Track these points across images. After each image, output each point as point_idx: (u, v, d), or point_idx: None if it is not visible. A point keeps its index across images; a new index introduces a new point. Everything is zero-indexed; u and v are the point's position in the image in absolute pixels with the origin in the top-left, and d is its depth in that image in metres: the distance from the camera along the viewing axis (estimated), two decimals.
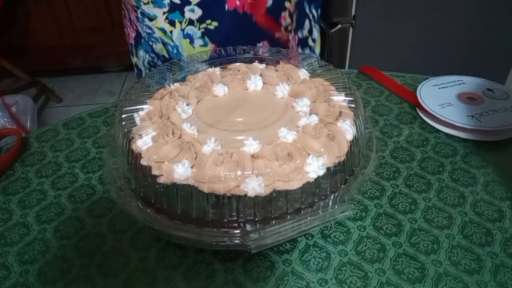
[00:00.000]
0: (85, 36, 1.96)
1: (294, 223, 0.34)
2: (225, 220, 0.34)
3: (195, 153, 0.35)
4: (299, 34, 0.73)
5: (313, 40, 0.76)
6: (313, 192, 0.35)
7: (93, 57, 1.99)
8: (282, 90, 0.44)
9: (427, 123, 0.54)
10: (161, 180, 0.34)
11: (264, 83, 0.46)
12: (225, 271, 0.37)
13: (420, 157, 0.49)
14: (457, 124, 0.51)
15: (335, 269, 0.37)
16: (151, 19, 0.65)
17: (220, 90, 0.45)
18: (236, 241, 0.33)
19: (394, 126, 0.54)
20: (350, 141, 0.37)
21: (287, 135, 0.36)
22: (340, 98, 0.41)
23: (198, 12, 0.58)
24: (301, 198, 0.35)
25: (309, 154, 0.34)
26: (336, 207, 0.35)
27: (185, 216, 0.35)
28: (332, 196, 0.36)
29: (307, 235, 0.40)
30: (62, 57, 1.96)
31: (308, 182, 0.34)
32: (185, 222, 0.34)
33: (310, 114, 0.40)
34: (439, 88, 0.58)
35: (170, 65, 0.49)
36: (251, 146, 0.35)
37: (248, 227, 0.34)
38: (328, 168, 0.35)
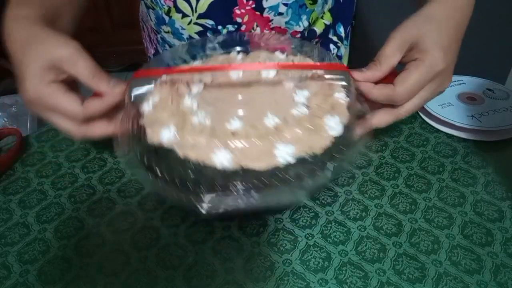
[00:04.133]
0: (85, 36, 1.96)
1: (251, 197, 0.35)
2: (191, 184, 0.36)
3: (184, 121, 0.38)
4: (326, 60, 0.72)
5: (339, 57, 0.74)
6: (278, 176, 0.36)
7: (93, 57, 1.99)
8: (289, 81, 0.45)
9: (427, 123, 0.54)
10: (151, 139, 0.38)
11: (277, 72, 0.47)
12: (225, 271, 0.37)
13: (420, 157, 0.49)
14: (457, 124, 0.51)
15: (335, 269, 0.37)
16: (171, 47, 0.65)
17: (234, 73, 0.47)
18: (193, 203, 0.35)
19: (394, 126, 0.54)
20: (334, 137, 0.38)
21: (271, 120, 0.38)
22: (341, 96, 0.42)
23: (220, 50, 0.57)
24: (265, 179, 0.36)
25: (282, 140, 0.36)
26: (288, 192, 0.36)
27: (169, 177, 0.37)
28: (294, 183, 0.37)
29: (308, 235, 0.40)
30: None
31: (276, 166, 0.36)
32: (167, 183, 0.37)
33: (304, 106, 0.41)
34: None
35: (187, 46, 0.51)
36: (234, 123, 0.37)
37: (207, 195, 0.36)
38: (298, 157, 0.36)
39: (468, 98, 0.55)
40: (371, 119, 0.42)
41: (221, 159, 0.35)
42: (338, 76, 0.43)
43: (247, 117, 0.39)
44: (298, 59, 0.49)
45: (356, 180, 0.46)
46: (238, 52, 0.51)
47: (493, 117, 0.52)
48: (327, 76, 0.44)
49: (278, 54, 0.50)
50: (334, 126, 0.38)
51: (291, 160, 0.36)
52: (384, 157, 0.49)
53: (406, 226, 0.40)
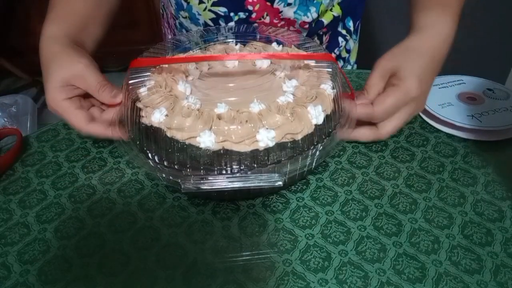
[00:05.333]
0: None
1: (229, 179, 0.38)
2: (177, 163, 0.39)
3: (174, 105, 0.40)
4: (336, 52, 0.74)
5: (347, 51, 0.76)
6: (259, 159, 0.38)
7: (93, 57, 1.99)
8: (281, 71, 0.47)
9: (427, 123, 0.54)
10: (144, 120, 0.41)
11: (272, 62, 0.50)
12: (225, 271, 0.37)
13: (420, 157, 0.49)
14: (457, 124, 0.51)
15: (336, 269, 0.37)
16: (188, 31, 0.68)
17: (230, 62, 0.49)
18: (174, 179, 0.38)
19: None
20: (316, 126, 0.40)
21: (256, 106, 0.39)
22: (327, 87, 0.43)
23: (231, 37, 0.59)
24: (246, 161, 0.38)
25: (264, 126, 0.38)
26: (266, 176, 0.38)
27: (158, 156, 0.40)
28: (273, 167, 0.39)
29: (308, 235, 0.40)
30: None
31: (257, 149, 0.38)
32: (157, 162, 0.40)
33: (291, 94, 0.42)
34: (439, 88, 0.58)
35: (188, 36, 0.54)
36: (220, 108, 0.39)
37: (192, 174, 0.38)
38: (279, 143, 0.38)
39: (468, 98, 0.55)
40: (353, 131, 0.46)
41: (205, 140, 0.37)
42: (325, 66, 0.45)
43: (234, 103, 0.41)
44: (292, 51, 0.50)
45: (356, 180, 0.46)
46: (237, 42, 0.53)
47: (493, 117, 0.52)
48: (313, 65, 0.46)
49: (274, 45, 0.52)
50: (316, 115, 0.40)
51: (272, 145, 0.38)
52: (384, 157, 0.49)
53: (406, 226, 0.40)
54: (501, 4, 1.26)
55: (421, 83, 0.45)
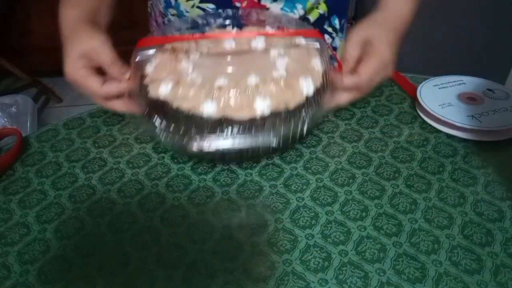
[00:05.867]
0: None
1: (229, 140, 0.42)
2: (183, 129, 0.42)
3: (179, 79, 0.44)
4: None
5: (334, 49, 0.77)
6: (256, 125, 0.42)
7: None
8: (275, 50, 0.51)
9: (427, 123, 0.54)
10: (151, 94, 0.44)
11: (266, 44, 0.52)
12: (225, 271, 0.37)
13: (420, 157, 0.49)
14: (457, 124, 0.51)
15: (336, 269, 0.37)
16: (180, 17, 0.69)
17: (228, 44, 0.52)
18: (179, 142, 0.43)
19: (394, 126, 0.54)
20: (307, 96, 0.44)
21: (253, 79, 0.43)
22: (317, 62, 0.47)
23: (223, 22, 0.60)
24: (245, 127, 0.42)
25: (260, 95, 0.42)
26: (262, 137, 0.42)
27: (166, 124, 0.44)
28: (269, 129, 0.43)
29: (308, 235, 0.40)
30: (62, 57, 1.96)
31: (255, 117, 0.41)
32: (164, 130, 0.44)
33: (284, 69, 0.46)
34: (439, 88, 0.58)
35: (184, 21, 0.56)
36: (221, 80, 0.43)
37: (197, 137, 0.42)
38: (273, 111, 0.42)
39: (468, 98, 0.55)
40: (336, 99, 0.49)
41: (208, 109, 0.41)
42: (313, 43, 0.50)
43: (233, 76, 0.45)
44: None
45: (356, 180, 0.46)
46: (233, 26, 0.56)
47: (493, 117, 0.52)
48: (303, 42, 0.50)
49: (268, 28, 0.55)
50: (307, 86, 0.44)
51: (267, 112, 0.42)
52: (384, 157, 0.49)
53: (406, 226, 0.40)
54: (501, 4, 1.26)
55: (391, 48, 0.49)
